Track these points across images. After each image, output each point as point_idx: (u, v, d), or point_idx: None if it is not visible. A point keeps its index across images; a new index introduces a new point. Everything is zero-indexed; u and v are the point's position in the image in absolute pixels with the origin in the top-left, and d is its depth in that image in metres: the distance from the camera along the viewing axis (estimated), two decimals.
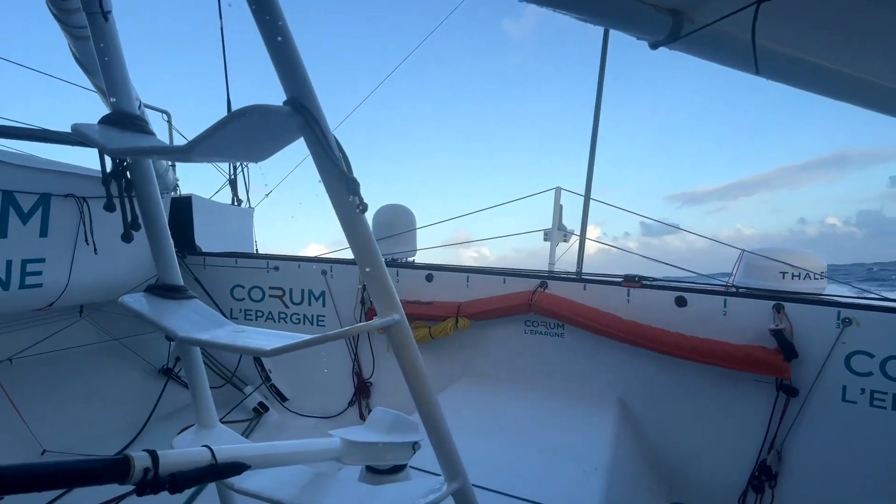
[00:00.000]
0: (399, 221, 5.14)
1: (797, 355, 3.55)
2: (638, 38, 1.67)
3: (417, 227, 5.27)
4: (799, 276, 3.99)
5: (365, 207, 1.51)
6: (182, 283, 1.93)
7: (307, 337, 1.43)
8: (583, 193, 5.04)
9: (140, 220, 1.84)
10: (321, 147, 1.42)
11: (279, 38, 1.37)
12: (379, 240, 5.20)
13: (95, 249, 3.67)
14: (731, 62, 1.64)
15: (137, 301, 1.83)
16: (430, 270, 4.70)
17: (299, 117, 1.39)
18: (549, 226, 5.15)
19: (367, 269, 1.57)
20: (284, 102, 1.41)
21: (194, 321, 1.79)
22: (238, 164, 6.19)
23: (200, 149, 1.36)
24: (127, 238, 1.74)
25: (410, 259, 5.23)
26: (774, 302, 3.68)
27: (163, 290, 1.90)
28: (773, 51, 1.61)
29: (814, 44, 1.63)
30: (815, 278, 3.99)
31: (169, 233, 1.93)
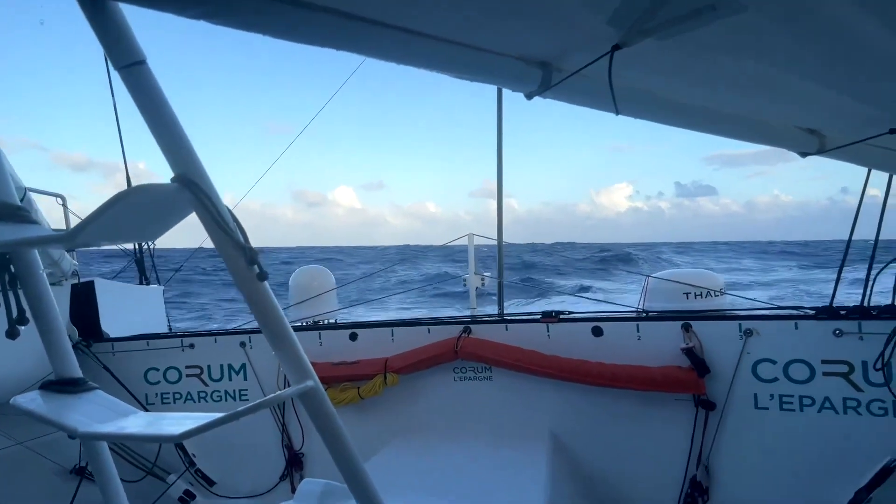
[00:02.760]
0: (316, 283, 5.09)
1: (709, 370, 3.74)
2: (514, 91, 1.79)
3: (336, 286, 5.23)
4: (701, 294, 4.24)
5: (265, 275, 1.51)
6: (80, 376, 1.83)
7: (218, 416, 1.39)
8: (495, 238, 5.18)
9: (28, 314, 1.75)
10: (214, 222, 1.42)
11: (159, 115, 1.38)
12: (299, 303, 5.13)
13: None
14: (599, 105, 1.78)
15: (33, 400, 1.72)
16: (354, 329, 4.65)
17: (188, 193, 1.39)
18: (467, 268, 5.25)
19: (274, 338, 1.56)
20: (172, 179, 1.41)
21: (97, 414, 1.69)
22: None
23: (86, 234, 1.33)
24: (12, 335, 1.66)
25: (332, 320, 5.17)
26: (682, 322, 3.88)
27: (60, 384, 1.80)
28: (630, 92, 1.77)
29: (663, 84, 1.81)
30: (715, 295, 4.25)
31: (61, 323, 1.84)
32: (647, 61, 1.61)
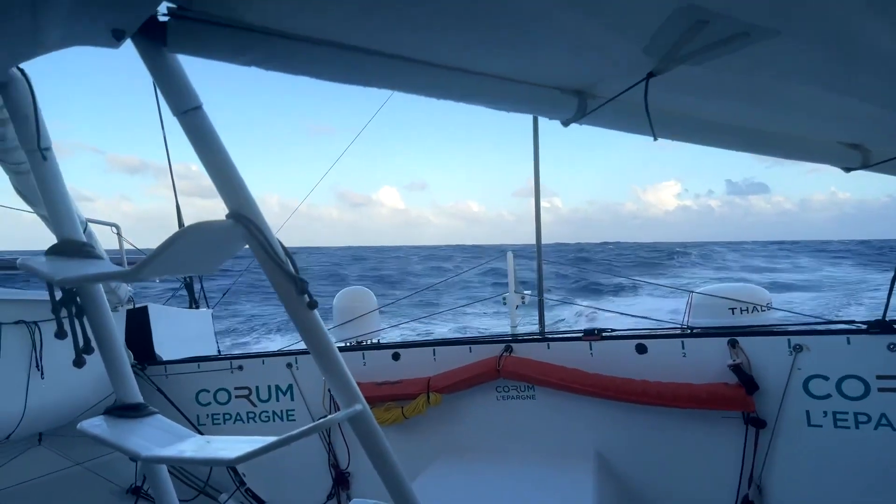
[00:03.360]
0: (359, 305, 5.18)
1: (758, 387, 3.66)
2: (550, 119, 1.83)
3: (377, 307, 5.31)
4: (747, 310, 4.16)
5: (315, 304, 1.58)
6: (141, 401, 1.93)
7: (272, 440, 1.45)
8: (535, 257, 5.19)
9: (93, 343, 1.86)
10: (266, 254, 1.50)
11: (214, 156, 1.47)
12: (341, 325, 5.22)
13: (42, 375, 3.60)
14: (636, 130, 1.80)
15: (97, 426, 1.82)
16: (396, 349, 4.71)
17: (242, 228, 1.48)
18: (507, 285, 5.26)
19: (324, 364, 1.62)
20: (227, 216, 1.49)
21: (157, 438, 1.78)
22: None
23: (148, 270, 1.42)
24: (79, 364, 1.76)
25: (375, 340, 5.24)
26: (728, 338, 3.81)
27: (122, 410, 1.90)
28: (668, 115, 1.79)
29: (700, 106, 1.82)
30: (762, 310, 4.16)
31: (124, 352, 1.94)
32: (683, 85, 1.63)
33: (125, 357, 1.96)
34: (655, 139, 1.68)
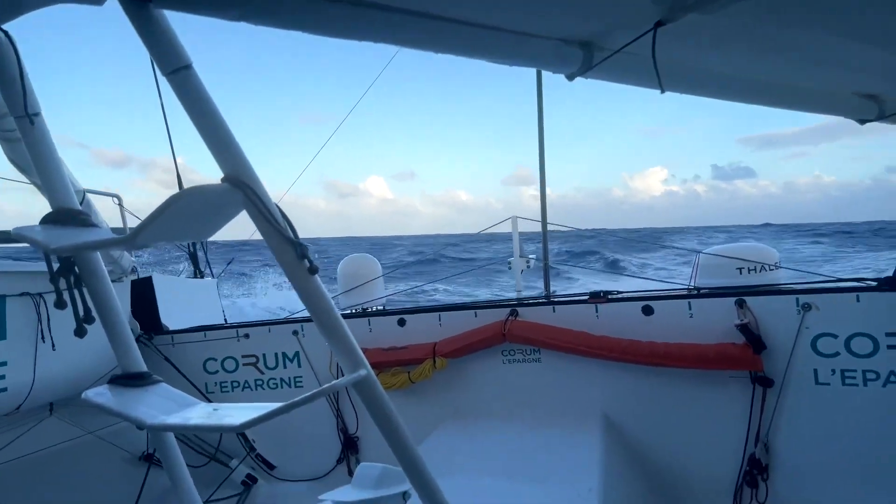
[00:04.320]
0: (364, 271, 5.16)
1: (766, 346, 3.64)
2: (555, 73, 1.76)
3: (382, 274, 5.29)
4: (755, 269, 4.11)
5: (316, 269, 1.54)
6: (145, 370, 1.92)
7: (277, 405, 1.44)
8: (539, 219, 5.14)
9: (94, 312, 1.83)
10: (264, 219, 1.46)
11: (206, 118, 1.42)
12: (346, 291, 5.21)
13: (54, 346, 3.61)
14: (643, 83, 1.74)
15: (102, 395, 1.81)
16: (402, 315, 4.71)
17: (239, 193, 1.43)
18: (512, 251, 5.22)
19: (326, 329, 1.59)
20: (222, 179, 1.45)
21: (162, 406, 1.77)
22: None
23: (144, 236, 1.38)
24: (80, 333, 1.74)
25: (380, 306, 5.24)
26: (736, 298, 3.78)
27: (126, 378, 1.89)
28: (676, 67, 1.72)
29: (710, 58, 1.75)
30: (770, 269, 4.11)
31: (126, 321, 1.92)
32: (693, 36, 1.56)
33: (127, 326, 1.94)
34: (663, 92, 1.61)
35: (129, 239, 1.42)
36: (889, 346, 3.43)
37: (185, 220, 1.46)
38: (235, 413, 1.56)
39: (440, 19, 1.53)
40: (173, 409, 1.74)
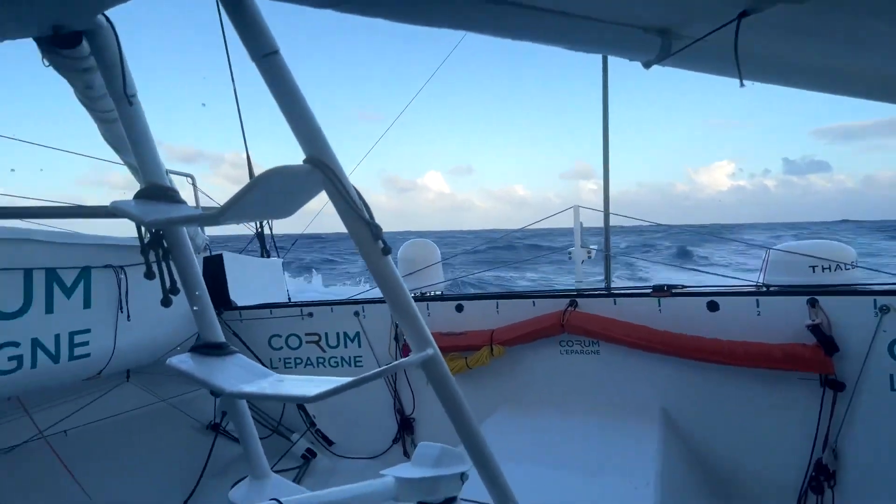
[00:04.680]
0: (423, 256, 5.23)
1: (838, 349, 3.50)
2: (630, 60, 1.74)
3: (441, 260, 5.35)
4: (829, 268, 3.95)
5: (389, 250, 1.59)
6: (223, 340, 2.02)
7: (347, 380, 1.50)
8: (601, 209, 5.07)
9: (178, 284, 1.95)
10: (342, 199, 1.52)
11: (292, 101, 1.48)
12: (405, 276, 5.29)
13: (129, 317, 3.82)
14: (722, 72, 1.70)
15: (184, 362, 1.93)
16: (460, 301, 4.75)
17: (319, 173, 1.49)
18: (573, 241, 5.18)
19: (397, 309, 1.65)
20: (304, 160, 1.51)
21: (239, 375, 1.88)
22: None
23: (230, 213, 1.46)
24: (167, 303, 1.86)
25: (439, 292, 5.30)
26: (808, 297, 3.64)
27: (206, 348, 2.00)
28: (760, 57, 1.67)
29: (793, 48, 1.69)
30: (846, 269, 3.94)
31: (206, 293, 2.03)
32: (778, 26, 1.51)
33: (208, 299, 2.05)
34: (743, 84, 1.57)
35: (218, 215, 1.50)
36: None
37: (268, 198, 1.53)
38: (306, 385, 1.64)
39: (515, 4, 1.53)
40: (249, 378, 1.84)
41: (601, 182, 5.28)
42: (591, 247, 5.06)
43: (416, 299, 5.01)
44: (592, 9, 1.60)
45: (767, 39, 1.60)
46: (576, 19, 1.62)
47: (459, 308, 4.71)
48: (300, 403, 4.83)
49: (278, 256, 6.60)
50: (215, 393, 1.87)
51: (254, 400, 1.99)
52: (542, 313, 4.40)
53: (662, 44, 1.64)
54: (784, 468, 3.76)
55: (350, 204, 1.51)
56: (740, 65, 1.52)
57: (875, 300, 3.47)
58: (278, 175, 1.45)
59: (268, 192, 1.47)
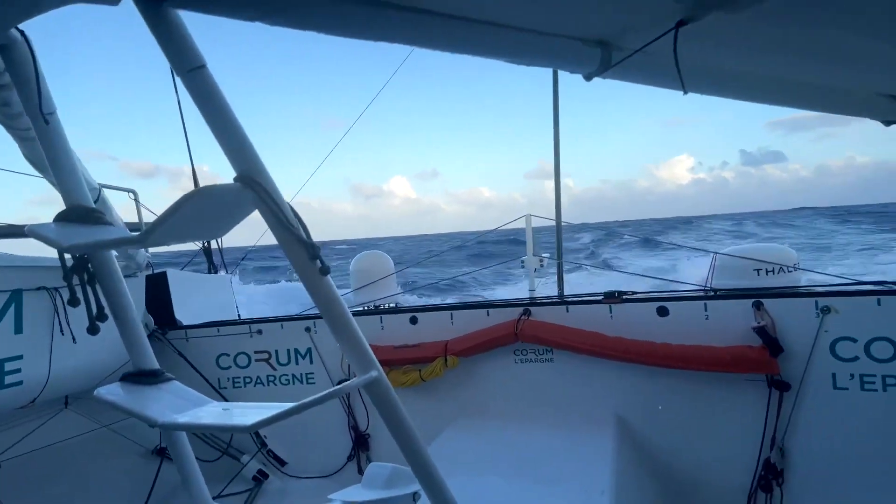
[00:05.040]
0: (376, 268, 5.16)
1: (783, 350, 3.58)
2: (572, 73, 1.73)
3: (395, 271, 5.29)
4: (773, 270, 4.06)
5: (327, 269, 1.53)
6: (157, 367, 1.92)
7: (285, 407, 1.43)
8: (553, 218, 5.10)
9: (107, 310, 1.84)
10: (276, 219, 1.45)
11: (220, 117, 1.40)
12: (359, 288, 5.21)
13: (74, 339, 3.63)
14: (663, 83, 1.70)
15: (114, 392, 1.81)
16: (414, 312, 4.70)
17: (251, 192, 1.42)
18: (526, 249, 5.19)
19: (338, 331, 1.58)
20: (235, 179, 1.44)
21: (173, 404, 1.78)
22: None
23: (156, 235, 1.37)
24: (93, 330, 1.75)
25: (393, 304, 5.24)
26: (753, 300, 3.72)
27: (138, 376, 1.89)
28: (697, 67, 1.68)
29: (732, 57, 1.71)
30: (788, 271, 4.06)
31: (138, 318, 1.92)
32: (715, 35, 1.52)
33: (139, 323, 1.94)
34: (686, 93, 1.57)
35: (142, 238, 1.41)
36: None
37: (197, 219, 1.45)
38: (246, 413, 1.56)
39: (456, 18, 1.50)
40: (185, 407, 1.74)
41: (565, 181, 5.32)
42: (544, 255, 5.09)
43: (370, 312, 4.94)
44: (531, 21, 1.58)
45: (705, 49, 1.61)
46: (515, 32, 1.59)
47: (413, 320, 4.65)
48: (239, 433, 4.67)
49: (226, 272, 6.42)
50: (149, 424, 1.77)
51: (188, 430, 1.89)
52: (496, 323, 4.38)
53: (603, 56, 1.63)
54: (735, 468, 3.82)
55: (284, 223, 1.45)
56: (682, 74, 1.52)
57: (816, 301, 3.57)
58: (206, 195, 1.38)
59: (196, 213, 1.39)
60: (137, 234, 1.46)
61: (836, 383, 3.57)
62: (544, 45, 1.61)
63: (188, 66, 1.35)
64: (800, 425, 3.68)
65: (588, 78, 1.71)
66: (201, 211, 1.42)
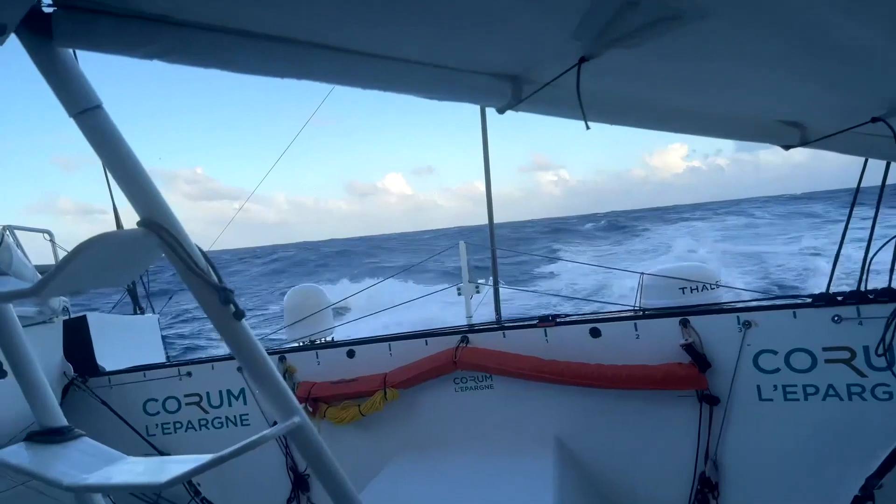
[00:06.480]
0: (309, 303, 5.06)
1: (710, 365, 3.70)
2: (484, 106, 1.76)
3: (331, 305, 5.20)
4: (697, 288, 4.21)
5: (242, 314, 1.47)
6: (65, 424, 1.80)
7: (202, 461, 1.36)
8: (488, 245, 5.15)
9: (6, 365, 1.72)
10: (184, 264, 1.39)
11: (118, 160, 1.35)
12: (293, 324, 5.09)
13: None
14: (571, 115, 1.75)
15: (16, 454, 1.68)
16: (351, 346, 4.62)
17: (155, 237, 1.36)
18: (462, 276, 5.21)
19: (256, 377, 1.52)
20: (138, 223, 1.37)
21: (83, 463, 1.66)
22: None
23: (52, 287, 1.30)
24: None
25: (329, 338, 5.14)
26: (680, 318, 3.84)
27: (44, 435, 1.77)
28: (603, 99, 1.74)
29: (636, 90, 1.78)
30: (711, 288, 4.21)
31: (40, 372, 1.80)
32: (617, 70, 1.58)
33: (42, 378, 1.81)
34: (588, 127, 1.62)
35: (36, 290, 1.33)
36: (826, 361, 3.53)
37: (97, 267, 1.38)
38: (163, 467, 1.47)
39: (365, 55, 1.50)
40: (96, 465, 1.63)
41: (559, 173, 5.39)
42: (479, 281, 5.11)
43: (305, 348, 4.82)
44: (444, 58, 1.60)
45: (608, 82, 1.66)
46: (429, 69, 1.61)
47: (351, 354, 4.56)
48: (153, 491, 4.44)
49: (153, 312, 6.15)
50: (55, 487, 1.65)
51: (98, 492, 1.77)
52: (435, 352, 4.35)
53: (514, 90, 1.67)
54: (673, 484, 3.89)
55: (193, 269, 1.39)
56: (585, 107, 1.56)
57: (738, 316, 3.72)
58: (106, 242, 1.31)
59: (97, 261, 1.32)
60: (30, 286, 1.37)
61: (762, 395, 3.71)
62: (458, 80, 1.63)
63: (80, 108, 1.29)
64: (730, 438, 3.79)
65: (501, 111, 1.74)
66: (102, 258, 1.35)
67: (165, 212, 1.37)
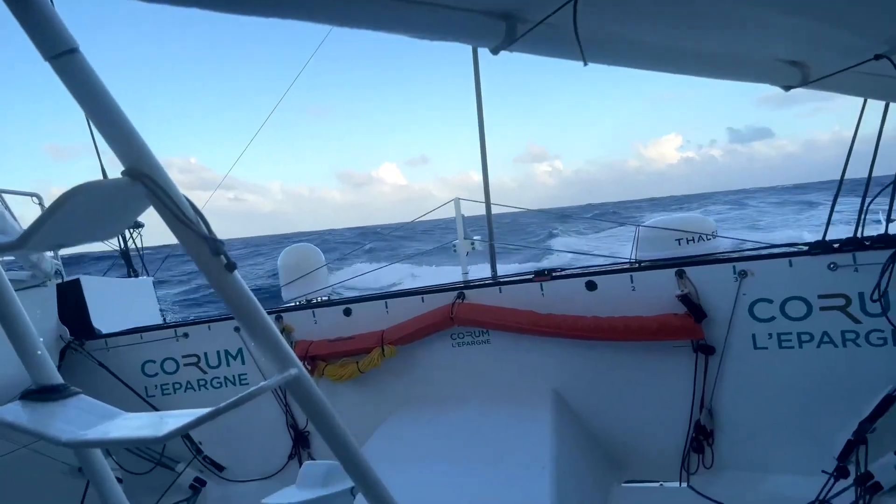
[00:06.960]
0: (306, 262, 5.03)
1: (706, 315, 3.72)
2: (477, 47, 1.70)
3: (326, 263, 5.18)
4: (693, 239, 4.19)
5: (233, 265, 1.44)
6: (60, 381, 1.78)
7: (199, 414, 1.35)
8: (482, 200, 5.10)
9: None
10: (172, 214, 1.34)
11: (98, 106, 1.29)
12: (289, 283, 5.08)
13: None
14: (567, 55, 1.69)
15: (12, 412, 1.67)
16: (347, 304, 4.62)
17: (141, 186, 1.32)
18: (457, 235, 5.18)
19: (251, 329, 1.50)
20: (122, 172, 1.33)
21: (80, 420, 1.65)
22: (124, 233, 5.88)
23: (36, 240, 1.26)
24: None
25: (326, 297, 5.13)
26: (675, 269, 3.84)
27: (40, 393, 1.75)
28: (600, 38, 1.68)
29: (633, 27, 1.72)
30: (707, 239, 4.20)
31: (33, 329, 1.77)
32: (614, 6, 1.52)
33: (35, 336, 1.79)
34: (586, 64, 1.57)
35: (19, 243, 1.29)
36: (821, 308, 3.55)
37: (83, 219, 1.34)
38: (161, 422, 1.46)
39: None
40: (93, 421, 1.62)
41: (554, 164, 5.34)
42: (475, 237, 5.09)
43: (302, 307, 4.82)
44: None
45: (605, 19, 1.61)
46: (419, 6, 1.54)
47: (347, 312, 4.57)
48: (151, 445, 4.49)
49: (147, 275, 6.12)
50: (53, 444, 1.64)
51: (97, 447, 1.76)
52: (431, 308, 4.36)
53: (507, 28, 1.61)
54: (669, 433, 3.95)
55: (182, 219, 1.34)
56: (583, 46, 1.51)
57: (734, 266, 3.71)
58: (89, 191, 1.26)
59: (81, 212, 1.28)
60: (11, 239, 1.32)
61: (756, 343, 3.73)
62: (448, 18, 1.57)
63: (56, 51, 1.23)
64: (725, 386, 3.83)
65: (495, 52, 1.68)
66: (87, 210, 1.30)
67: (151, 160, 1.33)
